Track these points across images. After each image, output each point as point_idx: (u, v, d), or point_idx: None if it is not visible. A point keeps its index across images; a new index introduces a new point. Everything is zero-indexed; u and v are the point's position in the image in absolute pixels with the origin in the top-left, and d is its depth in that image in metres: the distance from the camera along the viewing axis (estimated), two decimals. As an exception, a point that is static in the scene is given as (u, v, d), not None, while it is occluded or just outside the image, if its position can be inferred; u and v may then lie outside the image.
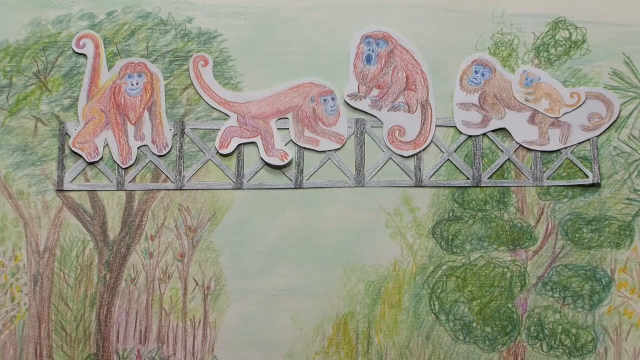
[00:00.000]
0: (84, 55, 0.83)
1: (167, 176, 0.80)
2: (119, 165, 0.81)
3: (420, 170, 0.81)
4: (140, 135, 0.83)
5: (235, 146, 0.82)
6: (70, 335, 0.81)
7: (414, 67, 0.87)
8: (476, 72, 0.86)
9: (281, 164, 0.81)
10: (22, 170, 0.80)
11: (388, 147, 0.81)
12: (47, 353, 0.81)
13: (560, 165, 0.82)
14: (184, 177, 0.80)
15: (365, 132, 0.82)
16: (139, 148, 0.81)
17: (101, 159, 0.83)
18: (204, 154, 0.80)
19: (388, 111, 0.87)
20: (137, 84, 0.85)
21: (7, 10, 0.84)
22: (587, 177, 0.83)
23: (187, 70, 0.82)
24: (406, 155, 0.82)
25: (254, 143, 0.81)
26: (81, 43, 0.85)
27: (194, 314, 0.82)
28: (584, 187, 0.82)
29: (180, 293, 0.82)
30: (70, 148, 0.80)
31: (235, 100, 0.83)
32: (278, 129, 0.81)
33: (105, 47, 0.84)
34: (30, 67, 0.83)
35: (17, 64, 0.82)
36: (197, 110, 0.82)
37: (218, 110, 0.81)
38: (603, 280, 0.83)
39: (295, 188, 0.81)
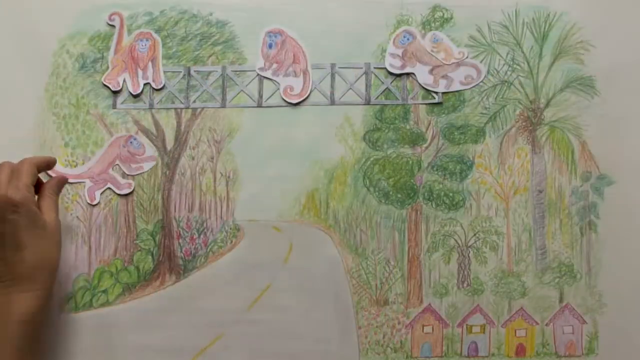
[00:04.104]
0: (113, 26, 1.06)
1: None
2: (131, 93, 1.04)
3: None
4: (146, 77, 1.05)
5: (100, 195, 1.03)
6: (146, 208, 1.04)
7: (298, 49, 1.06)
8: (404, 37, 1.06)
9: (129, 190, 1.03)
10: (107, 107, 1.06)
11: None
12: (132, 220, 1.04)
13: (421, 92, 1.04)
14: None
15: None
16: (145, 84, 1.05)
17: (121, 89, 1.05)
18: (215, 98, 1.06)
19: (283, 77, 1.06)
20: (145, 45, 1.06)
21: (97, 10, 1.06)
22: (434, 98, 1.06)
23: (211, 45, 1.06)
24: (294, 102, 1.04)
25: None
26: (112, 18, 1.06)
27: (220, 193, 1.03)
28: (436, 105, 1.04)
29: (212, 180, 1.04)
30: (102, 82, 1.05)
31: (82, 171, 1.04)
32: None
33: (158, 32, 1.05)
34: (108, 46, 1.05)
35: (105, 44, 1.06)
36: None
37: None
38: (468, 163, 1.04)
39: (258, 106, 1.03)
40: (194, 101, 1.06)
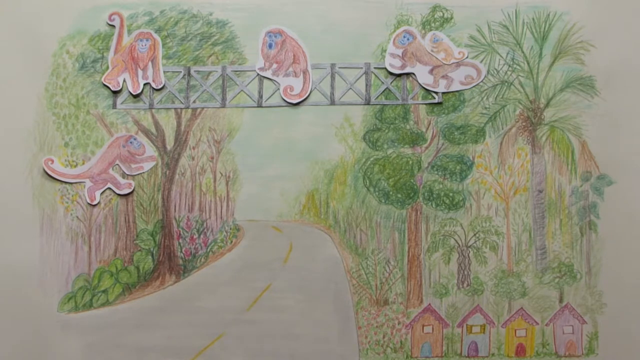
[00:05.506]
0: (113, 26, 1.06)
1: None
2: (131, 93, 1.05)
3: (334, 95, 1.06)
4: (146, 76, 1.06)
5: (100, 195, 1.04)
6: (146, 208, 1.06)
7: (298, 49, 1.07)
8: (404, 37, 1.06)
9: (130, 190, 1.04)
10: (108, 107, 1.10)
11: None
12: (132, 220, 1.06)
13: (422, 92, 1.05)
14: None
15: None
16: (144, 84, 1.06)
17: (121, 89, 1.05)
18: (216, 99, 1.08)
19: (283, 77, 1.07)
20: (145, 45, 1.06)
21: (97, 10, 1.07)
22: (434, 98, 1.08)
23: (211, 45, 1.07)
24: (294, 102, 1.05)
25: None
26: (112, 18, 1.07)
27: (220, 193, 1.05)
28: (436, 105, 1.05)
29: (212, 180, 1.06)
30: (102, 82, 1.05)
31: (83, 171, 1.05)
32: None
33: (158, 32, 1.06)
34: (108, 46, 1.06)
35: (105, 44, 1.07)
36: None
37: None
38: (468, 163, 1.06)
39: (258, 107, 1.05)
40: (194, 101, 1.08)
